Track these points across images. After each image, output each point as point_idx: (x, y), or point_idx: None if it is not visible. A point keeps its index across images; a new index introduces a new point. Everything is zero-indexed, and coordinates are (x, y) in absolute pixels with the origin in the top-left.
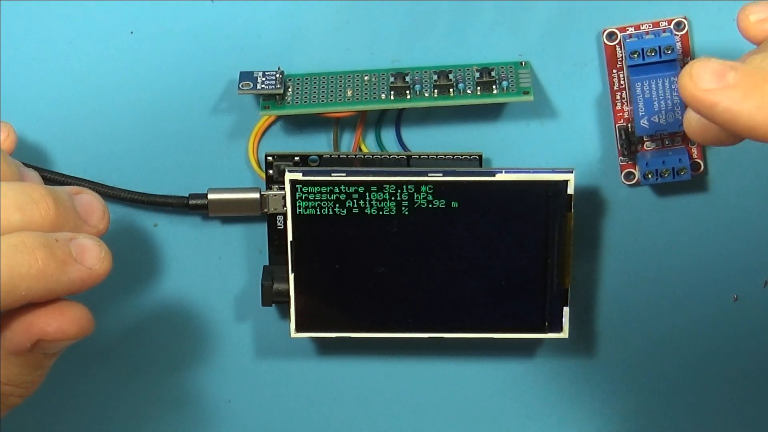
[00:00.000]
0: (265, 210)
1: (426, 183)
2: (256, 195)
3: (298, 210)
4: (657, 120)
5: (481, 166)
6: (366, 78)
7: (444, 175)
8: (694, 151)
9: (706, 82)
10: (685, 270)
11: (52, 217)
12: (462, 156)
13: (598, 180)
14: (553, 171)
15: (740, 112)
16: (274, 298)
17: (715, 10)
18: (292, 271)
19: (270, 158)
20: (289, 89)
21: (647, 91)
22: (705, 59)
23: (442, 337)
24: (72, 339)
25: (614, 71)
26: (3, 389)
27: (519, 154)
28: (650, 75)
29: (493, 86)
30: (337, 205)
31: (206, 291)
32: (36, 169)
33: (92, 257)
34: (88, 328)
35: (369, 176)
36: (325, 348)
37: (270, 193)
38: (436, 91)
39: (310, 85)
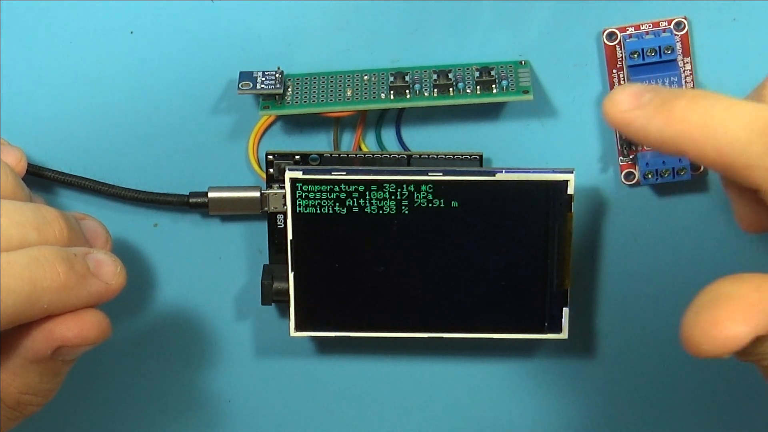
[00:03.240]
0: (266, 209)
1: (426, 182)
2: (257, 193)
3: (298, 209)
4: None
5: (481, 165)
6: (366, 78)
7: (444, 175)
8: None
9: (625, 104)
10: (685, 270)
11: (65, 238)
12: (462, 156)
13: (598, 180)
14: (553, 171)
15: (650, 128)
16: (273, 297)
17: (715, 10)
18: (292, 270)
19: (270, 157)
20: (289, 89)
21: None
22: (627, 84)
23: (442, 337)
24: (92, 344)
25: (614, 71)
26: (23, 398)
27: (519, 154)
28: (650, 75)
29: (493, 85)
30: (337, 204)
31: (206, 289)
32: (37, 167)
33: (108, 272)
34: (107, 332)
35: (369, 175)
36: (324, 347)
37: (270, 191)
38: (435, 90)
39: (310, 85)
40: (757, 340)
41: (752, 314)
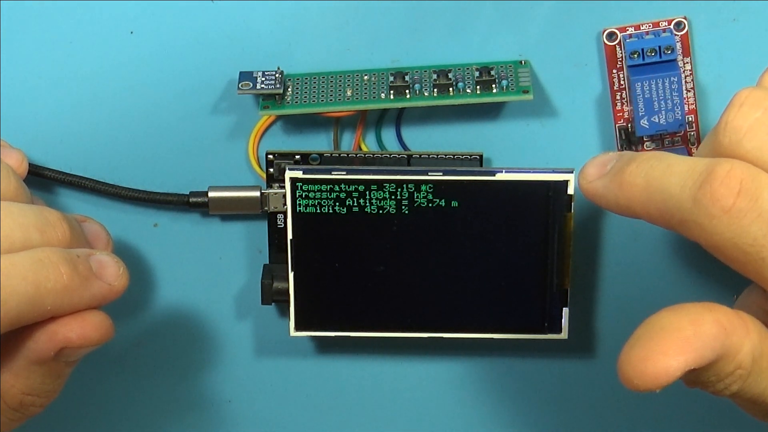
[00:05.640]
0: (266, 208)
1: (426, 182)
2: (257, 193)
3: (298, 208)
4: (657, 120)
5: (481, 165)
6: (366, 77)
7: (444, 175)
8: (694, 151)
9: (591, 176)
10: (685, 270)
11: (67, 240)
12: (462, 156)
13: None
14: (553, 171)
15: (608, 196)
16: (273, 296)
17: (715, 10)
18: (292, 270)
19: (270, 156)
20: (289, 89)
21: (647, 91)
22: (600, 154)
23: (442, 337)
24: (94, 345)
25: (614, 71)
26: (25, 399)
27: (519, 153)
28: (650, 75)
29: (493, 85)
30: (338, 204)
31: (206, 289)
32: (37, 167)
33: (111, 273)
34: (110, 334)
35: (369, 175)
36: (324, 347)
37: (270, 191)
38: (435, 90)
39: (310, 85)
40: (701, 370)
41: (684, 348)
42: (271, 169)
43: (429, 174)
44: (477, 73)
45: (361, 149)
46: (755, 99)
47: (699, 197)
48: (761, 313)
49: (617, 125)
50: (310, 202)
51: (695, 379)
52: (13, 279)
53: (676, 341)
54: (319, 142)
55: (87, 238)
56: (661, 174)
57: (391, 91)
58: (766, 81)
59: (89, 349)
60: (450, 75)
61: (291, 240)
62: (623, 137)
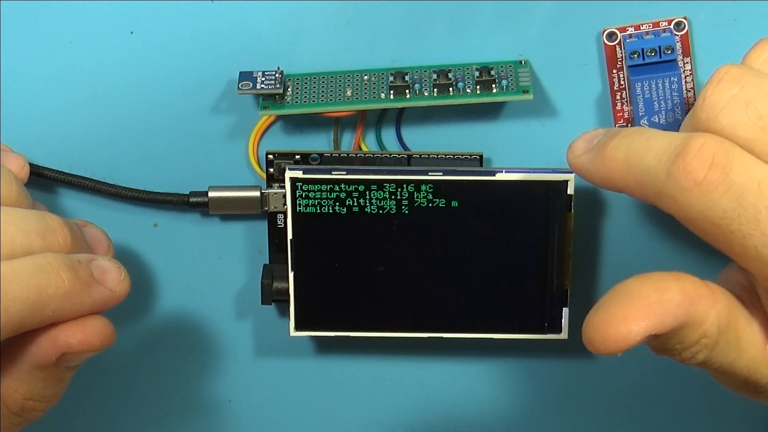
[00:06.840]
0: (266, 208)
1: (426, 182)
2: (257, 193)
3: (298, 208)
4: (657, 120)
5: (481, 165)
6: (366, 77)
7: (444, 175)
8: None
9: (578, 150)
10: (686, 270)
11: (69, 245)
12: (462, 156)
13: None
14: (553, 171)
15: (592, 170)
16: (273, 296)
17: (715, 10)
18: (292, 270)
19: (271, 156)
20: (289, 89)
21: (647, 91)
22: (589, 130)
23: (442, 337)
24: (96, 350)
25: (614, 71)
26: (27, 404)
27: (519, 153)
28: (650, 75)
29: (493, 85)
30: (338, 204)
31: (206, 289)
32: (37, 167)
33: (112, 279)
34: (111, 339)
35: (369, 175)
36: (324, 347)
37: (270, 191)
38: (435, 90)
39: (310, 85)
40: (666, 337)
41: (646, 314)
42: (271, 169)
43: (429, 174)
44: (477, 73)
45: (361, 149)
46: (734, 75)
47: (672, 170)
48: (738, 287)
49: (617, 125)
50: (310, 202)
51: (661, 346)
52: (15, 285)
53: (639, 307)
54: (319, 142)
55: (88, 243)
56: (640, 148)
57: (391, 91)
58: (750, 59)
59: (91, 355)
60: (450, 75)
61: (291, 240)
62: None
